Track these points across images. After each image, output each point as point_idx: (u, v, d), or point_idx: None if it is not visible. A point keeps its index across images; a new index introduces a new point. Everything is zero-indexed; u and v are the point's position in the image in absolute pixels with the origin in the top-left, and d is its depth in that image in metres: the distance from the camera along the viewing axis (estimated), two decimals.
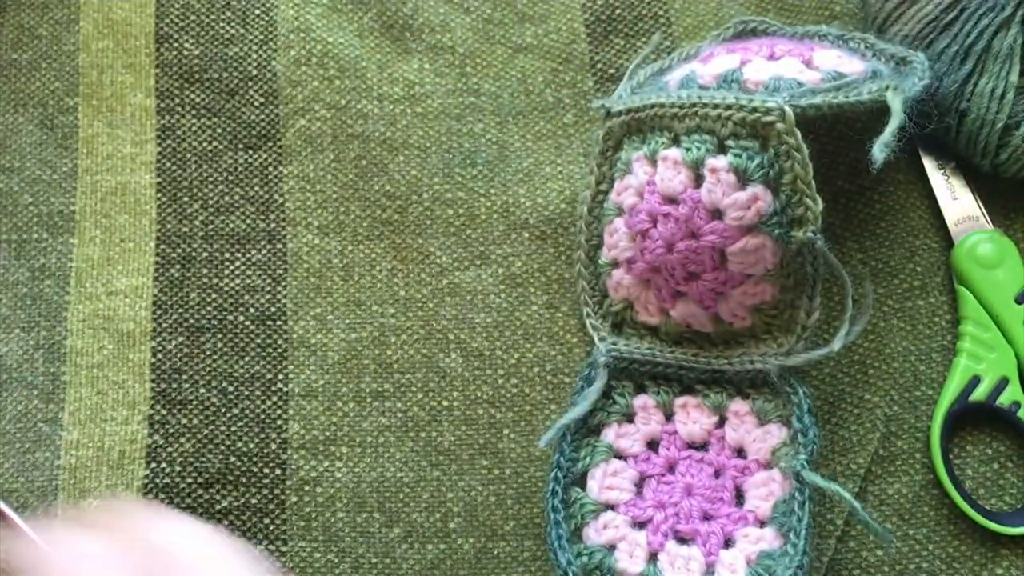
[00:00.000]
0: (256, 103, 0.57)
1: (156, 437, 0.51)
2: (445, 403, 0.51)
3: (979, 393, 0.49)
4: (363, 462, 0.50)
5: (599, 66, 0.57)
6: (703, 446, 0.49)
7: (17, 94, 0.57)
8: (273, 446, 0.51)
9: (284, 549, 0.49)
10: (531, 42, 0.57)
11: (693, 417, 0.49)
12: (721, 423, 0.49)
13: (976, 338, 0.50)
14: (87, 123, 0.57)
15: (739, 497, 0.48)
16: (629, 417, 0.50)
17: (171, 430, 0.51)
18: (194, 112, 0.57)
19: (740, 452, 0.49)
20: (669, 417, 0.50)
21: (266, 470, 0.50)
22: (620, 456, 0.49)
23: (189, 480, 0.50)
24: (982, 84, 0.50)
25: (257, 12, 0.59)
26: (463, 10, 0.58)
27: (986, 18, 0.50)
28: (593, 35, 0.57)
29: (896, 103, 0.45)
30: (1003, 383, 0.49)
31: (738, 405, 0.49)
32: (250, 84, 0.57)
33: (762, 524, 0.46)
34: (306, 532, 0.49)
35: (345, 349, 0.52)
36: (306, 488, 0.50)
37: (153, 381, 0.52)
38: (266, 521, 0.50)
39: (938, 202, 0.53)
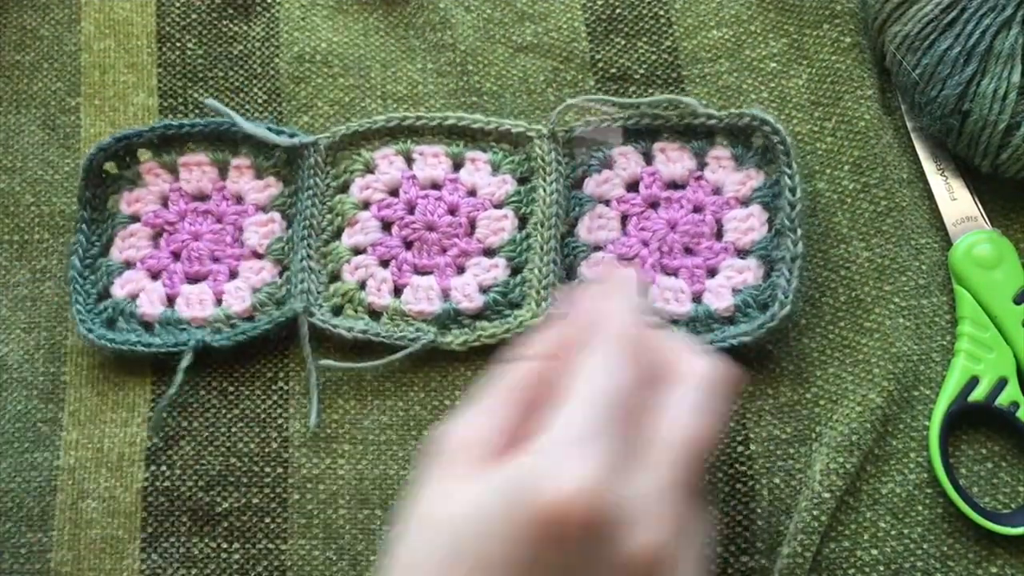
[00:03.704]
0: (259, 100, 0.57)
1: (156, 439, 0.51)
2: (447, 401, 0.51)
3: (978, 393, 0.49)
4: (365, 459, 0.51)
5: (600, 65, 0.57)
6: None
7: (19, 95, 0.58)
8: (274, 445, 0.51)
9: (284, 547, 0.49)
10: (532, 41, 0.57)
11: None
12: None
13: (975, 338, 0.50)
14: (89, 123, 0.57)
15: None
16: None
17: (171, 432, 0.52)
18: (197, 111, 0.57)
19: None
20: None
21: (267, 469, 0.51)
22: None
23: (190, 483, 0.51)
24: (984, 85, 0.50)
25: (259, 9, 0.59)
26: (464, 8, 0.58)
27: (987, 18, 0.50)
28: (593, 34, 0.57)
29: None
30: (1002, 383, 0.49)
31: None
32: (254, 82, 0.57)
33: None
34: (307, 530, 0.49)
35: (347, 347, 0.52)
36: (308, 486, 0.50)
37: (153, 383, 0.52)
38: (267, 520, 0.50)
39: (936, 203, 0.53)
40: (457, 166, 0.55)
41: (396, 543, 0.36)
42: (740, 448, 0.50)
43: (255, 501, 0.50)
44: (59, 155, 0.56)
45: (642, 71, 0.57)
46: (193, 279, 0.53)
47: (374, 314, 0.52)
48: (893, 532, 0.48)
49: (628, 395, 0.37)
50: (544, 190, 0.53)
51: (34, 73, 0.58)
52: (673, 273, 0.52)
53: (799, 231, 0.50)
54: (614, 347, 0.38)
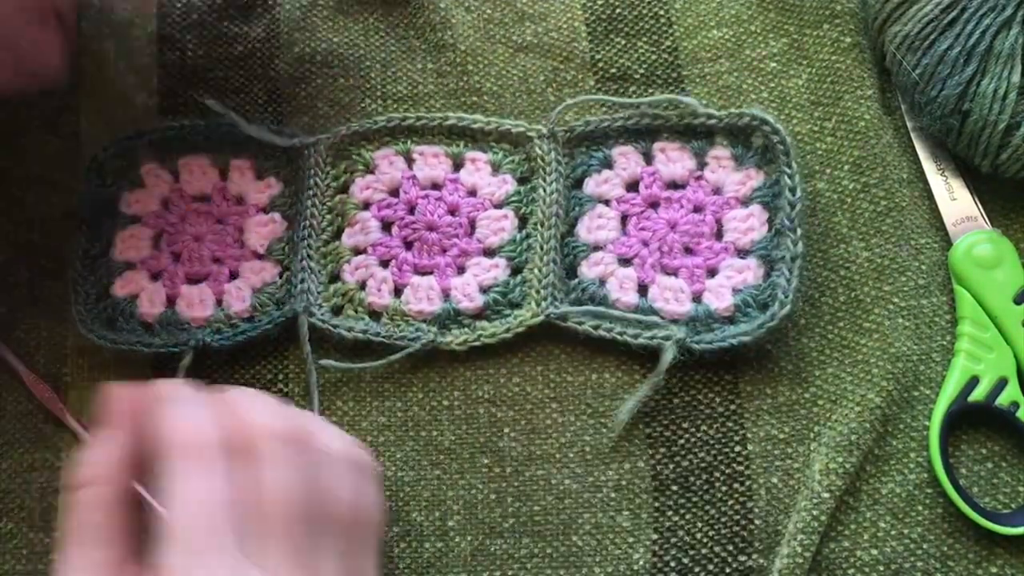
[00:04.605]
0: (259, 101, 0.57)
1: None
2: (445, 402, 0.51)
3: (978, 393, 0.49)
4: None
5: (600, 65, 0.57)
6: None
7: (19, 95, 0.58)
8: None
9: None
10: (532, 41, 0.57)
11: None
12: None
13: (975, 338, 0.50)
14: (89, 123, 0.57)
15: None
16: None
17: None
18: (197, 111, 0.57)
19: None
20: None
21: None
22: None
23: None
24: (984, 85, 0.50)
25: (259, 10, 0.59)
26: (464, 8, 0.58)
27: (987, 18, 0.50)
28: (593, 34, 0.57)
29: (667, 355, 0.49)
30: (1002, 383, 0.49)
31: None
32: (254, 83, 0.58)
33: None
34: None
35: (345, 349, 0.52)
36: None
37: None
38: None
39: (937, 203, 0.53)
40: (457, 166, 0.55)
41: None
42: (738, 448, 0.50)
43: None
44: (59, 155, 0.56)
45: (642, 71, 0.57)
46: (193, 280, 0.53)
47: (374, 314, 0.52)
48: (893, 532, 0.48)
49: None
50: (544, 190, 0.53)
51: None
52: (673, 273, 0.52)
53: (799, 231, 0.50)
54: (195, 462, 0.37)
